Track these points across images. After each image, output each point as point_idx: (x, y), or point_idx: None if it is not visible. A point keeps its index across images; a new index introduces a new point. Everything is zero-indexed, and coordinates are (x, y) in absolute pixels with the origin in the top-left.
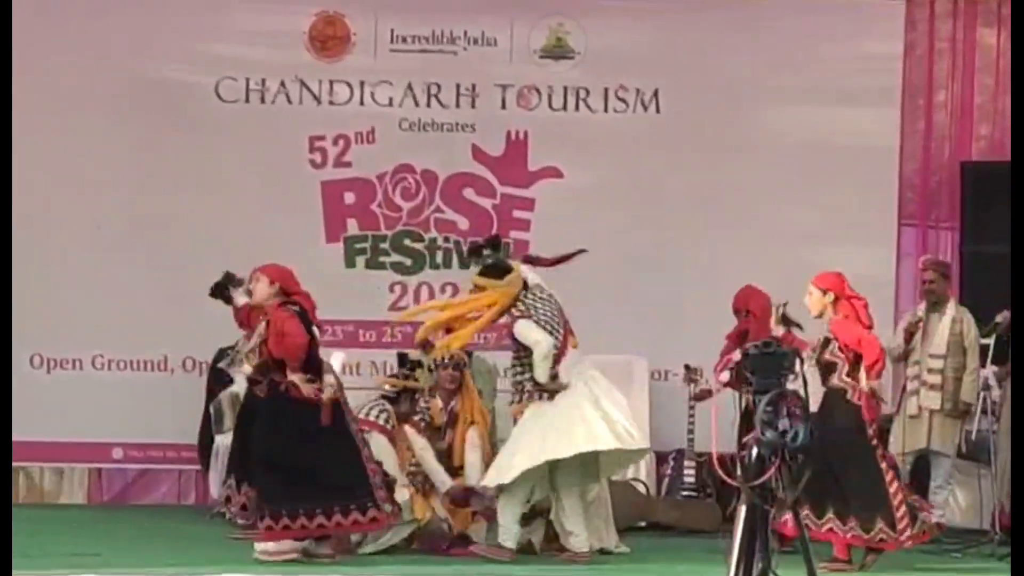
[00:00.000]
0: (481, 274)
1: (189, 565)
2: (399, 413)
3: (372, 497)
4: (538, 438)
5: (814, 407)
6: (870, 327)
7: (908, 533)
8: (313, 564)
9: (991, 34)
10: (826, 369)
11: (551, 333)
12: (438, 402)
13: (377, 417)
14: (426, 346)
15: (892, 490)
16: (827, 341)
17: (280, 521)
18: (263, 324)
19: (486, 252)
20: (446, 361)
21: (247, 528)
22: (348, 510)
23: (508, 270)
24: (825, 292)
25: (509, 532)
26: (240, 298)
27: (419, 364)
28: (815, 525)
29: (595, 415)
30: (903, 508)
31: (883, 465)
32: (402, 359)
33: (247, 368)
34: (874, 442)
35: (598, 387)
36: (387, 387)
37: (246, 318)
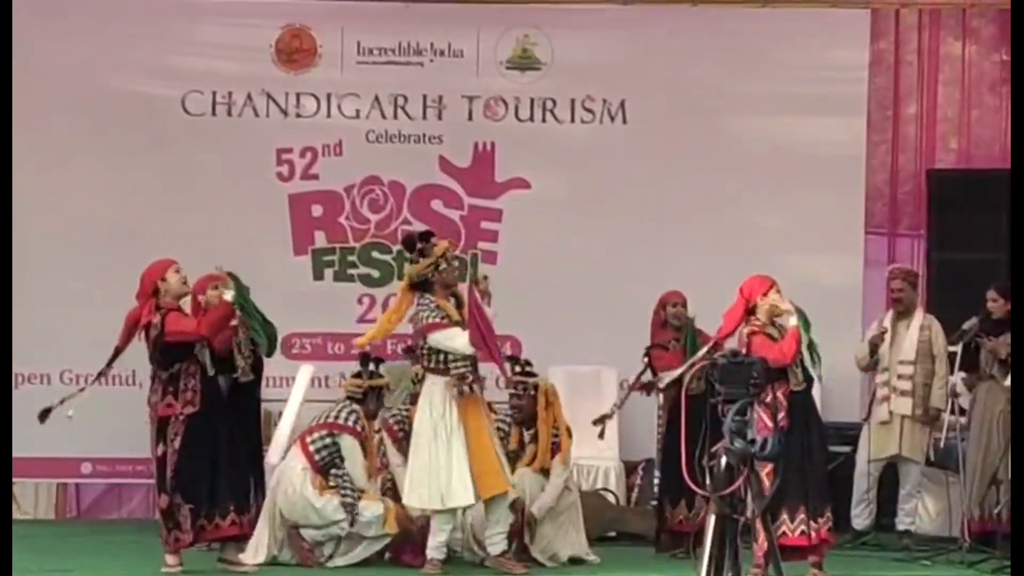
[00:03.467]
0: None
1: None
2: (367, 412)
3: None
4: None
5: None
6: None
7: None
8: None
9: (957, 46)
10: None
11: None
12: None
13: (346, 420)
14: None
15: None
16: (765, 361)
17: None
18: None
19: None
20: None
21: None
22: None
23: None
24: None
25: (435, 544)
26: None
27: (381, 361)
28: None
29: None
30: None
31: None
32: (364, 359)
33: None
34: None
35: None
36: (353, 388)
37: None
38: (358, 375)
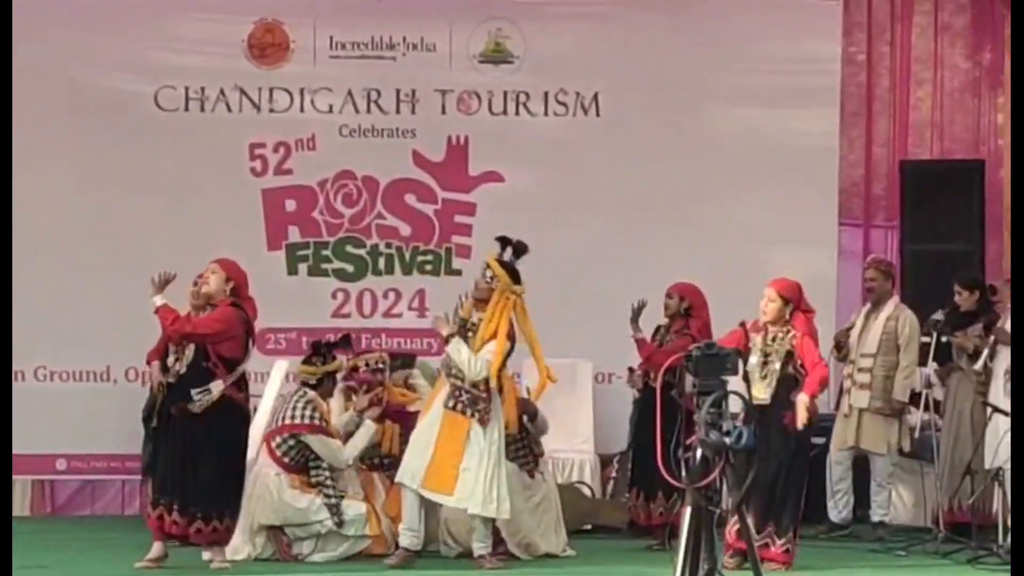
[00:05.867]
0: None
1: (134, 575)
2: (323, 392)
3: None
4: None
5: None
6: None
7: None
8: (255, 573)
9: (929, 36)
10: (791, 381)
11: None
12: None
13: (303, 417)
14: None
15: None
16: (790, 354)
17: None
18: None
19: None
20: (370, 364)
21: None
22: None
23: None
24: (787, 302)
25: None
26: (158, 299)
27: (335, 345)
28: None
29: None
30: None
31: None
32: (316, 345)
33: None
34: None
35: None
36: (307, 375)
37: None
38: (309, 362)
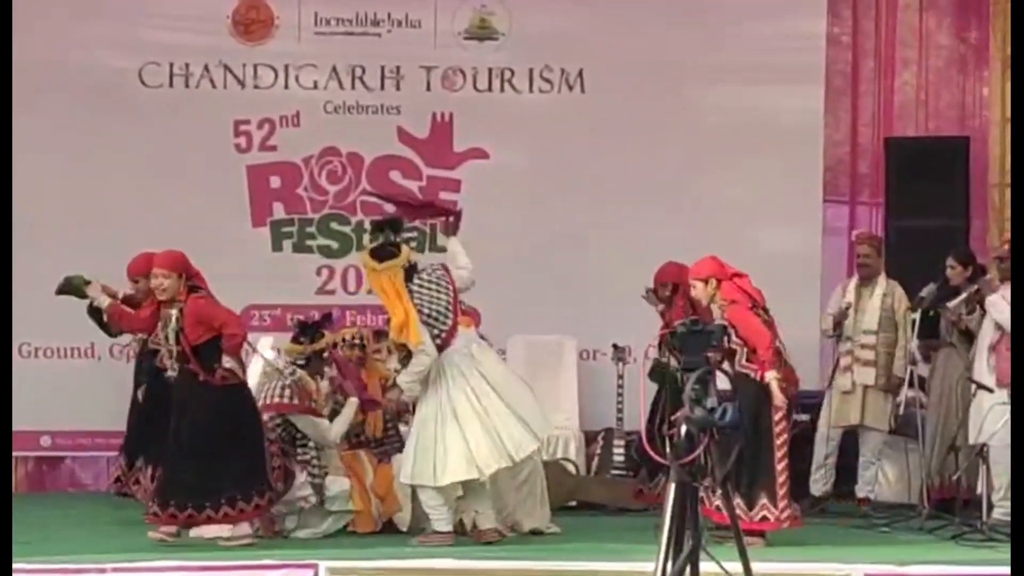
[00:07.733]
0: (370, 254)
1: (120, 552)
2: (312, 371)
3: (263, 485)
4: (462, 444)
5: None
6: (756, 303)
7: (788, 514)
8: (242, 549)
9: (914, 14)
10: (728, 355)
11: (435, 325)
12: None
13: (291, 398)
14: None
15: (780, 468)
16: (725, 328)
17: (181, 511)
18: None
19: (385, 232)
20: (348, 340)
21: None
22: (235, 501)
23: (394, 254)
24: (706, 281)
25: (442, 515)
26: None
27: (322, 323)
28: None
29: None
30: (786, 488)
31: (778, 442)
32: (302, 325)
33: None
34: (776, 420)
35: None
36: (295, 355)
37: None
38: (296, 341)
